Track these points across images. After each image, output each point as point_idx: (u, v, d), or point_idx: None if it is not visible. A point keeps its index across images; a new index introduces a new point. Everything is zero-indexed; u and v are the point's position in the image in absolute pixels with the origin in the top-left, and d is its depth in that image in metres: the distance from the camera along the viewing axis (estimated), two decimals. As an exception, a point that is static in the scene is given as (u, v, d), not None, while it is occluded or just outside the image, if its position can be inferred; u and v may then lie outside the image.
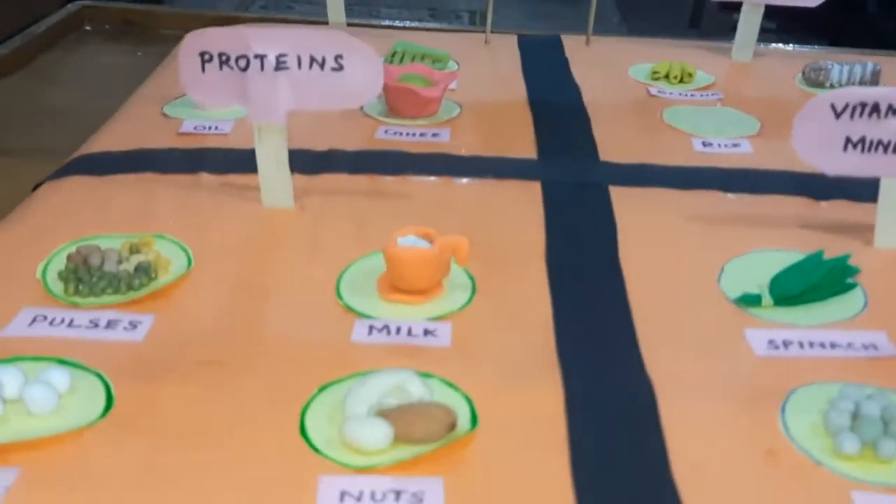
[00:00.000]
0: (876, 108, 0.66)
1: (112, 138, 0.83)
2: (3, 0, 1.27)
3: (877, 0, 2.85)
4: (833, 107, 0.66)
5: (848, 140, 0.67)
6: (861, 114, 0.66)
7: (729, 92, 0.99)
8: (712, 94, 0.99)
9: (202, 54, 0.67)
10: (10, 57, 1.11)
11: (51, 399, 0.49)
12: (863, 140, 0.67)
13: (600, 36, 1.16)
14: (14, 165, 0.90)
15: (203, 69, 0.68)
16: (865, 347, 0.57)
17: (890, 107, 0.65)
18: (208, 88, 0.68)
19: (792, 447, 0.49)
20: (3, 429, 0.47)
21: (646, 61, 1.06)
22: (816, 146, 0.67)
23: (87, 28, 1.29)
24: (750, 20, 1.08)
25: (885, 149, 0.67)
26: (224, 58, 0.67)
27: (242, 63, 0.67)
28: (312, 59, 0.66)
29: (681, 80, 1.02)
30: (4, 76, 1.09)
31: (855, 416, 0.50)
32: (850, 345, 0.58)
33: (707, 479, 0.46)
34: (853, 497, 0.45)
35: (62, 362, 0.53)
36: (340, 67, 0.66)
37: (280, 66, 0.66)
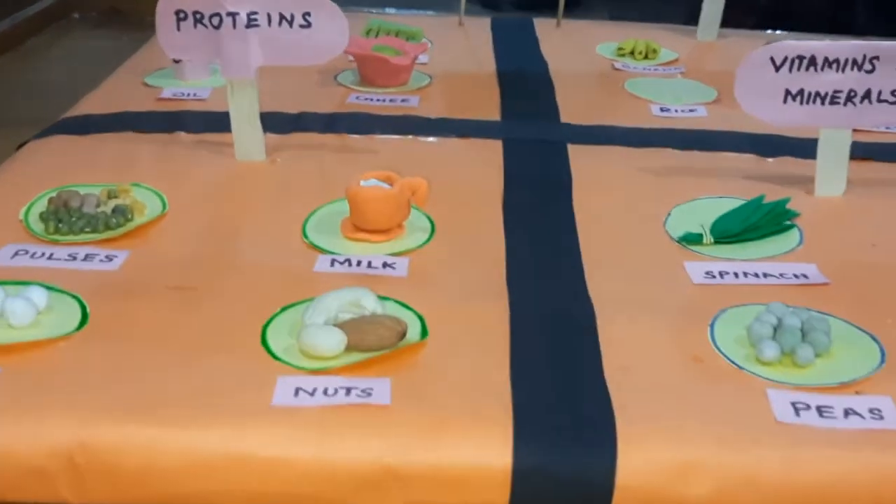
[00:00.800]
0: (813, 62, 0.70)
1: (94, 104, 0.87)
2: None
3: (867, 14, 2.87)
4: (772, 59, 0.70)
5: (787, 92, 0.71)
6: (799, 67, 0.70)
7: (691, 67, 1.03)
8: (675, 69, 1.03)
9: (177, 13, 0.71)
10: (2, 38, 1.15)
11: (29, 312, 0.52)
12: (801, 92, 0.71)
13: (571, 20, 1.20)
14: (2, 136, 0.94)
15: (178, 27, 0.72)
16: (796, 276, 0.61)
17: (826, 59, 0.69)
18: (183, 46, 0.72)
19: (717, 354, 0.53)
20: (-16, 337, 0.51)
21: (613, 41, 1.10)
22: (758, 98, 0.71)
23: (76, 15, 1.33)
24: (713, 1, 1.12)
25: (823, 100, 0.71)
26: (198, 16, 0.71)
27: (216, 21, 0.71)
28: (282, 17, 0.70)
29: (645, 57, 1.06)
30: (-5, 56, 1.14)
31: (777, 328, 0.53)
32: (781, 275, 0.62)
33: (635, 378, 0.50)
34: (768, 393, 0.49)
35: (41, 286, 0.56)
36: (308, 24, 0.70)
37: (251, 23, 0.70)
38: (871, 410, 0.48)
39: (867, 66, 0.69)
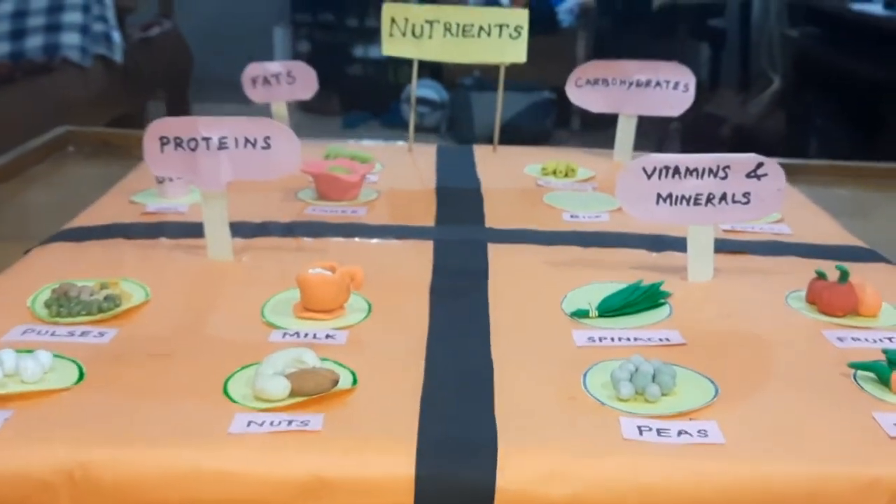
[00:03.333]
0: (677, 170, 0.86)
1: (88, 219, 1.02)
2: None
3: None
4: (644, 170, 0.86)
5: (658, 195, 0.87)
6: (666, 175, 0.86)
7: (603, 182, 1.20)
8: (589, 185, 1.20)
9: (161, 138, 0.87)
10: (8, 166, 1.31)
11: (38, 370, 0.66)
12: (670, 195, 0.87)
13: (507, 146, 1.38)
14: (7, 247, 1.08)
15: (162, 150, 0.87)
16: (661, 340, 0.76)
17: (687, 168, 0.86)
18: (166, 164, 0.88)
19: (587, 395, 0.67)
20: (2, 389, 0.64)
21: (541, 162, 1.28)
22: (635, 200, 0.87)
23: (71, 148, 1.50)
24: (625, 128, 1.30)
25: (688, 202, 0.87)
26: (178, 140, 0.87)
27: (192, 144, 0.87)
28: (246, 140, 0.86)
29: (566, 175, 1.23)
30: (2, 182, 1.29)
31: (633, 373, 0.67)
32: (649, 339, 0.76)
33: (519, 413, 0.64)
34: (621, 420, 0.63)
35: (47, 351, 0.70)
36: (268, 146, 0.87)
37: (222, 146, 0.86)
38: (698, 431, 0.62)
39: (721, 174, 0.86)
